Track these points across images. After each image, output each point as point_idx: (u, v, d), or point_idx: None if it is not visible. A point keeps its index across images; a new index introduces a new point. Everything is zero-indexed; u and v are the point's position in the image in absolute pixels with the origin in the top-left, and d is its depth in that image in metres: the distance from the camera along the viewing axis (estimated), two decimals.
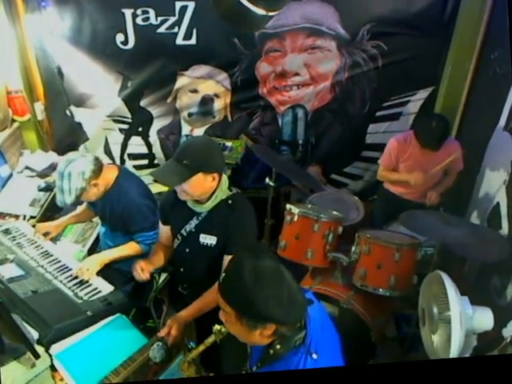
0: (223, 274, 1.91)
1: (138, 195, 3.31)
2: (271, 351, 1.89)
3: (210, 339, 2.15)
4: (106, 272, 3.24)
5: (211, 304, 2.58)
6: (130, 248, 3.38)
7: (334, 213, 3.79)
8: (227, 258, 2.70)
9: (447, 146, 3.96)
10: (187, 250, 2.93)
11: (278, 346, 1.87)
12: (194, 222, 2.86)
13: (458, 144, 4.07)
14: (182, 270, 3.05)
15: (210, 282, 2.72)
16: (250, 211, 2.84)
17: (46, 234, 3.60)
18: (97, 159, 3.23)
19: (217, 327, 2.08)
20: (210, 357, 2.53)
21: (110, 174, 3.32)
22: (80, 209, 3.84)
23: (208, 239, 2.82)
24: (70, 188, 3.09)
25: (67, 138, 5.34)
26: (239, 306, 1.82)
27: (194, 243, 2.87)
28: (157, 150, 5.57)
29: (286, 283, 1.82)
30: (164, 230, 3.14)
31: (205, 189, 2.69)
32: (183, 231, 2.92)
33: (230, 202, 2.78)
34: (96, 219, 4.05)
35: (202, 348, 2.21)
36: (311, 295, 2.15)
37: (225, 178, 2.81)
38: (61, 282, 3.06)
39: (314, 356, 1.85)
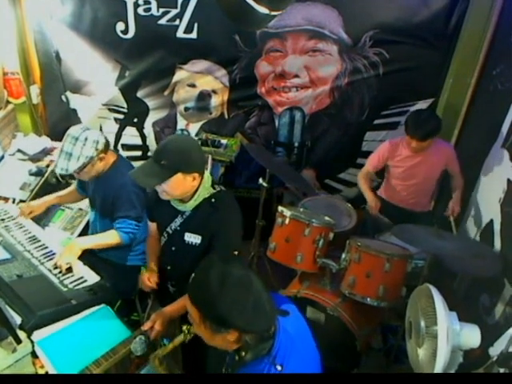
0: (193, 275, 1.91)
1: (131, 183, 3.25)
2: (237, 357, 1.91)
3: (179, 338, 2.18)
4: (93, 261, 3.23)
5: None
6: (107, 236, 3.35)
7: (326, 218, 3.79)
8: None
9: (439, 147, 4.01)
10: (173, 249, 2.92)
11: (243, 353, 1.87)
12: (178, 221, 2.84)
13: (450, 145, 4.13)
14: (168, 268, 3.03)
15: None
16: (234, 209, 2.81)
17: (29, 213, 3.62)
18: (107, 139, 3.27)
19: (186, 327, 2.12)
20: (192, 357, 2.52)
21: (109, 158, 3.33)
22: (67, 190, 3.85)
23: (192, 238, 2.79)
24: (80, 154, 3.08)
25: (61, 123, 5.25)
26: (203, 307, 1.83)
27: (180, 242, 2.84)
28: (151, 142, 5.54)
29: (254, 292, 1.81)
30: (153, 227, 3.13)
31: (185, 189, 2.66)
32: (169, 229, 2.90)
33: (213, 200, 2.74)
34: (86, 207, 4.01)
35: (171, 346, 2.24)
36: (291, 307, 2.14)
37: (207, 176, 2.77)
38: (47, 268, 3.05)
39: (279, 368, 1.83)
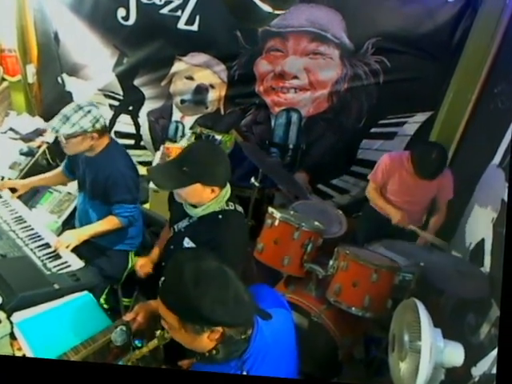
0: (162, 279, 1.85)
1: (124, 166, 3.31)
2: (207, 354, 1.84)
3: (153, 343, 2.13)
4: (79, 245, 3.21)
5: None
6: (108, 222, 3.36)
7: (316, 223, 3.77)
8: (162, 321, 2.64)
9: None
10: (172, 247, 2.89)
11: (214, 352, 1.82)
12: (185, 223, 2.82)
13: (449, 172, 4.06)
14: (163, 264, 3.00)
15: None
16: (237, 233, 2.71)
17: (13, 191, 3.62)
18: (106, 125, 3.29)
19: (160, 332, 2.06)
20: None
21: (103, 141, 3.31)
22: (53, 172, 3.82)
23: (190, 245, 2.75)
24: (77, 122, 3.06)
25: (56, 105, 5.10)
26: (182, 310, 1.77)
27: (178, 244, 2.81)
28: (144, 131, 5.51)
29: (231, 283, 1.78)
30: (170, 217, 3.11)
31: (202, 199, 2.62)
32: (175, 227, 2.88)
33: (220, 216, 2.68)
34: (74, 191, 4.00)
35: (145, 350, 2.19)
36: (280, 311, 2.10)
37: (226, 190, 2.72)
38: (31, 250, 3.03)
39: (244, 373, 1.80)
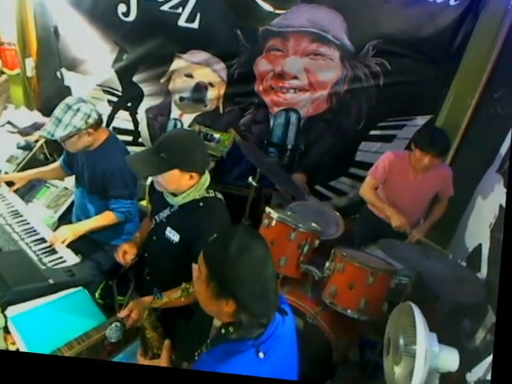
0: (216, 235, 1.92)
1: (123, 161, 3.25)
2: (223, 330, 1.87)
3: (176, 295, 2.20)
4: (76, 240, 3.23)
5: (176, 303, 2.50)
6: (105, 218, 3.38)
7: (313, 225, 3.76)
8: (195, 267, 2.63)
9: (438, 170, 3.95)
10: (154, 238, 2.87)
11: (231, 329, 1.83)
12: (166, 212, 2.80)
13: (449, 168, 4.07)
14: (146, 255, 2.99)
15: (170, 277, 2.70)
16: (219, 220, 2.70)
17: (9, 185, 3.63)
18: (100, 117, 3.26)
19: (185, 285, 2.14)
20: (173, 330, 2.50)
21: (101, 135, 3.32)
22: (51, 166, 3.83)
23: (172, 234, 2.73)
24: (69, 122, 3.06)
25: (54, 99, 5.04)
26: (214, 266, 1.80)
27: (161, 233, 2.79)
28: (143, 128, 5.49)
29: (265, 275, 1.80)
30: (151, 208, 3.11)
31: (180, 185, 2.62)
32: (157, 217, 2.86)
33: (201, 204, 2.67)
34: (71, 186, 3.99)
35: (165, 300, 2.26)
36: (288, 309, 2.07)
37: (206, 177, 2.71)
38: (27, 244, 3.04)
39: (261, 355, 1.79)
